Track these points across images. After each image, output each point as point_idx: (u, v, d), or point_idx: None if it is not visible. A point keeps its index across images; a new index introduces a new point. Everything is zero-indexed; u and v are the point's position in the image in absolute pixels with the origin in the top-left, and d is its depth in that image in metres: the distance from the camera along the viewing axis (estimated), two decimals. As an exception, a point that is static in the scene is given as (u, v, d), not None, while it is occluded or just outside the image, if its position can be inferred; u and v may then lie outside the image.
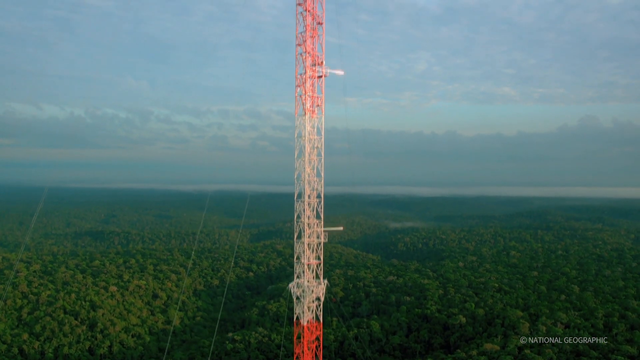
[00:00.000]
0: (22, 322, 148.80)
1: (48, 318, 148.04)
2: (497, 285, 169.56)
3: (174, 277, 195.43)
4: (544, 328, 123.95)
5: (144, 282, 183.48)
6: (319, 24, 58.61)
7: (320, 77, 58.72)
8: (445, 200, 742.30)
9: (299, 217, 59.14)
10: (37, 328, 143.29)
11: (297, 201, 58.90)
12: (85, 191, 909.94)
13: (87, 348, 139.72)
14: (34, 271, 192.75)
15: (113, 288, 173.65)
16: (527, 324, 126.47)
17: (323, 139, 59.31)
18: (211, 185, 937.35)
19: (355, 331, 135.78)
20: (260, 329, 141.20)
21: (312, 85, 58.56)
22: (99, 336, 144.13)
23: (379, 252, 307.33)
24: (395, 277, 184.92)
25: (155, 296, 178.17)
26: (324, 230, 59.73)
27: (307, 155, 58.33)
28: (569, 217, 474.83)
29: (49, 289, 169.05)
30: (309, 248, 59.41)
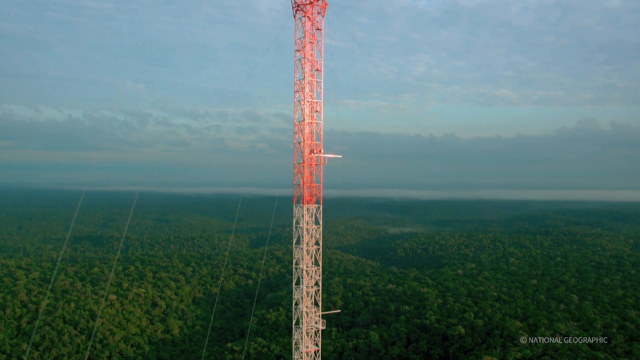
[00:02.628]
0: (22, 332, 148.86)
1: (47, 327, 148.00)
2: (496, 294, 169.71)
3: (173, 285, 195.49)
4: (543, 339, 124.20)
5: (143, 291, 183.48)
6: (317, 111, 58.97)
7: (318, 164, 58.88)
8: (444, 203, 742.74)
9: (297, 304, 59.92)
10: (37, 337, 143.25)
11: (296, 289, 59.67)
12: (85, 193, 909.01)
13: (86, 358, 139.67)
14: (33, 279, 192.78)
15: (112, 297, 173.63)
16: (526, 336, 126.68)
17: (321, 229, 59.67)
18: (210, 188, 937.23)
19: (355, 342, 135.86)
20: (260, 339, 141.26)
21: (311, 174, 58.69)
22: (98, 346, 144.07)
23: (378, 258, 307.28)
24: (395, 286, 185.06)
25: (154, 305, 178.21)
26: (322, 316, 60.47)
27: (304, 245, 58.85)
28: (568, 222, 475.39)
29: (49, 298, 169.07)
30: (307, 335, 60.16)
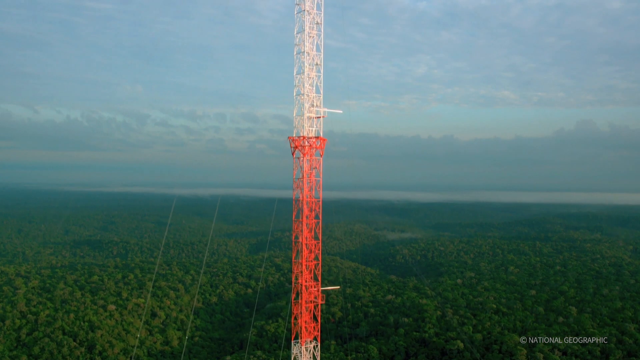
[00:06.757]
0: (21, 343, 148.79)
1: (47, 339, 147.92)
2: (494, 306, 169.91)
3: (172, 294, 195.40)
4: (542, 355, 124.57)
5: (143, 300, 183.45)
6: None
7: (316, 303, 59.82)
8: (443, 206, 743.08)
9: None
10: (36, 350, 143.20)
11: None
12: (84, 195, 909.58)
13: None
14: (32, 287, 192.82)
15: (112, 307, 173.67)
16: (525, 351, 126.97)
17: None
18: (209, 189, 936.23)
19: (354, 355, 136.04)
20: (259, 352, 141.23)
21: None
22: (98, 358, 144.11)
23: (377, 265, 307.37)
24: (394, 296, 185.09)
25: (153, 315, 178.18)
26: None
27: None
28: (568, 226, 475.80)
29: (48, 308, 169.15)
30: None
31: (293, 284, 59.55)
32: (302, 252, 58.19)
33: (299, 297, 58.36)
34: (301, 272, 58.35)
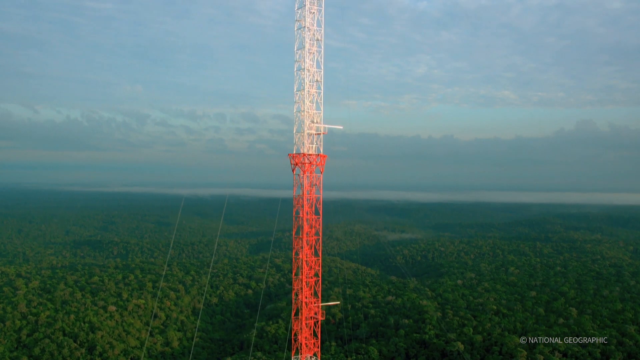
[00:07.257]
0: (21, 344, 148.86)
1: (47, 340, 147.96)
2: (495, 307, 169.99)
3: (172, 295, 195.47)
4: (542, 357, 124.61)
5: (143, 301, 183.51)
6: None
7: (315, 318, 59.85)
8: (443, 206, 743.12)
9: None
10: (36, 351, 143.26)
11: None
12: (84, 195, 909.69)
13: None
14: (33, 288, 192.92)
15: (112, 308, 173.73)
16: (525, 353, 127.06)
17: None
18: (209, 189, 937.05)
19: (354, 357, 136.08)
20: (259, 354, 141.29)
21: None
22: (98, 359, 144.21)
23: (377, 266, 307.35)
24: (394, 297, 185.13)
25: (154, 316, 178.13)
26: None
27: None
28: (568, 227, 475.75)
29: (48, 309, 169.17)
30: None
31: (293, 301, 59.48)
32: (302, 268, 58.02)
33: (299, 313, 58.25)
34: (301, 288, 58.21)
